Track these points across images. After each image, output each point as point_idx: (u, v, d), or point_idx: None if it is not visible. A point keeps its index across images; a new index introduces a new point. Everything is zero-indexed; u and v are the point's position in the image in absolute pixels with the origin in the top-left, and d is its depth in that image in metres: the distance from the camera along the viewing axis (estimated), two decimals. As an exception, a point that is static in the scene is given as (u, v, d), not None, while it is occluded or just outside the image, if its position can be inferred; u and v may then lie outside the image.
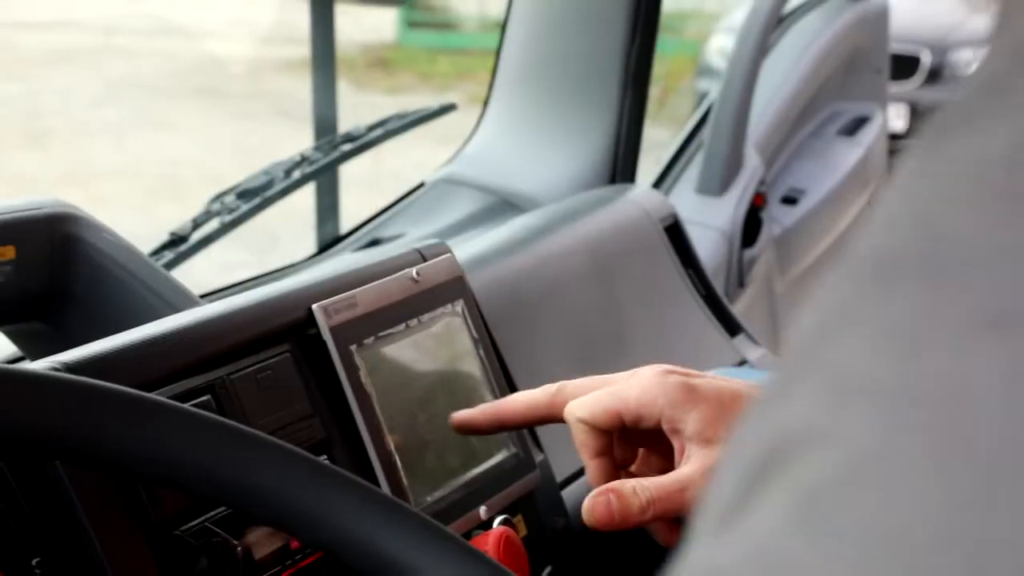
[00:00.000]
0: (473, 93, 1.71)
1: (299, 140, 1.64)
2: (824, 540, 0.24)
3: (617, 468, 0.90)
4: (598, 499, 0.83)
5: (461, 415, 0.95)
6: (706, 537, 0.27)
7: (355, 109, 2.84)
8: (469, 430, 0.96)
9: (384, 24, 8.93)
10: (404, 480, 1.00)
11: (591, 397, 0.88)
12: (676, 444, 0.85)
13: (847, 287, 0.27)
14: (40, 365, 0.83)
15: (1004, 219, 0.25)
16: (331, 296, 1.01)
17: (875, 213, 0.28)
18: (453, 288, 1.12)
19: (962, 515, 0.23)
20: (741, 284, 1.99)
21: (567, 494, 1.24)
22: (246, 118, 7.19)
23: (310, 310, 0.99)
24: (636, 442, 0.91)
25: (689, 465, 0.83)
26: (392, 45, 9.44)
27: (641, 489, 0.83)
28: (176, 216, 1.52)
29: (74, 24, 9.10)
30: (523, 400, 0.93)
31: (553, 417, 0.91)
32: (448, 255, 1.14)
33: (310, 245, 1.75)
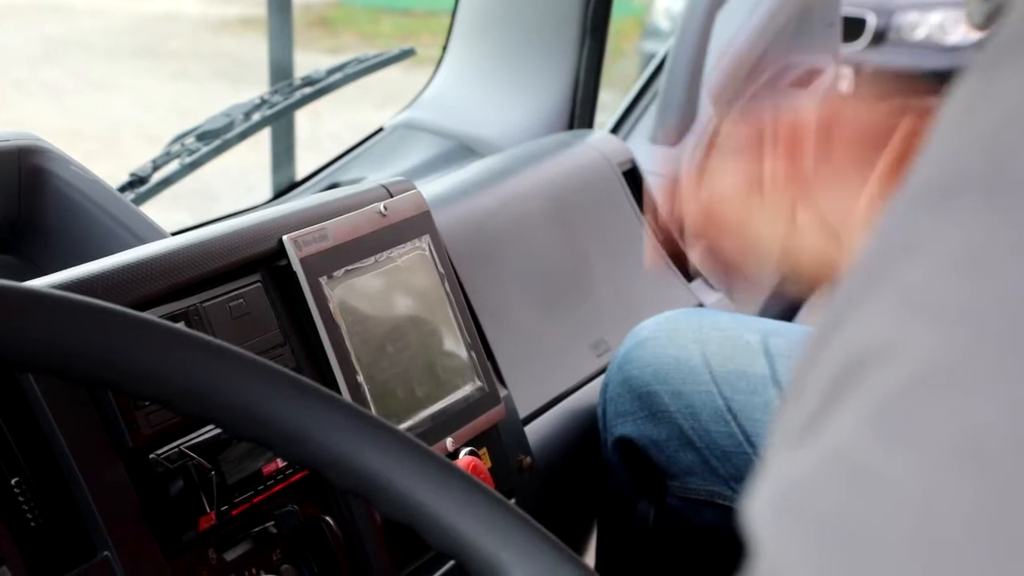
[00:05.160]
0: (417, 55, 1.70)
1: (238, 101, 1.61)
2: (899, 443, 0.26)
3: None
4: None
5: None
6: (786, 450, 0.28)
7: (295, 69, 2.80)
8: None
9: (326, -19, 8.85)
10: (373, 410, 1.01)
11: None
12: None
13: (915, 210, 0.29)
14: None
15: None
16: (301, 228, 1.02)
17: (933, 141, 0.30)
18: (420, 223, 1.14)
19: None
20: (694, 234, 2.00)
21: (530, 430, 1.26)
22: (184, 78, 7.11)
23: (281, 241, 1.00)
24: None
25: None
26: (334, 3, 9.34)
27: None
28: (117, 176, 1.50)
29: (8, -21, 8.92)
30: None
31: None
32: (414, 191, 1.15)
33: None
